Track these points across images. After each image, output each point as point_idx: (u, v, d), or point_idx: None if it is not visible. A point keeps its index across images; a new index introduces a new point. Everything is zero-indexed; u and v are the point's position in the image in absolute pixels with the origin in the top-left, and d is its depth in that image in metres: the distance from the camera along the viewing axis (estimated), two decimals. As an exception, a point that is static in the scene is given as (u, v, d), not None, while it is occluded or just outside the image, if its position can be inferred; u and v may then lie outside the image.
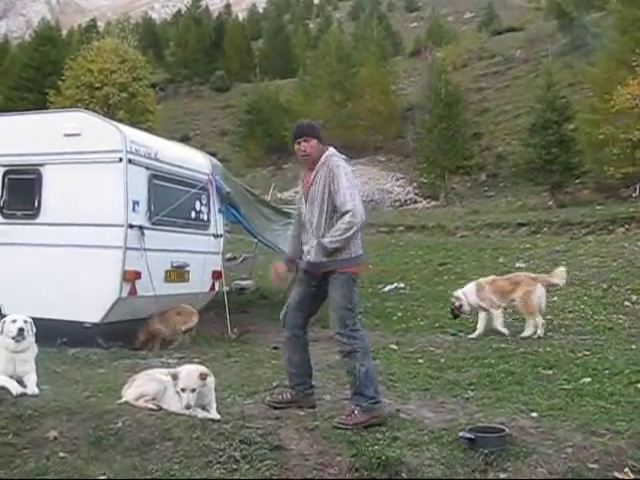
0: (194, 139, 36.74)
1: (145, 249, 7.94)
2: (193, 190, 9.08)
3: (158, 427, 4.09)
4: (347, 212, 4.45)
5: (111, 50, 32.21)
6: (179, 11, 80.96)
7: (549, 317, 9.32)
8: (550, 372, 6.28)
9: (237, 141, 36.48)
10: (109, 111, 28.51)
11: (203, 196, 9.40)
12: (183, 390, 4.30)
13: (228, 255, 14.70)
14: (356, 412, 4.38)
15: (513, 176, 23.98)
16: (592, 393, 5.40)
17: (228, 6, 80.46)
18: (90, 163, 7.96)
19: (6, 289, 7.96)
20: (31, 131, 8.47)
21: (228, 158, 31.71)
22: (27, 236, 8.08)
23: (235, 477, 3.67)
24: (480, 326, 8.50)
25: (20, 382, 4.71)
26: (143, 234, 7.95)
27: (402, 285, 12.63)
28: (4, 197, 8.43)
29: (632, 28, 20.09)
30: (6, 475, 3.63)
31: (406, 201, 26.91)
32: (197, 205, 9.31)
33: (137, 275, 7.88)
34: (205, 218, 9.48)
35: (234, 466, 3.75)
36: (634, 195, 19.55)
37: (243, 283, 13.34)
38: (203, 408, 4.37)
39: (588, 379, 5.89)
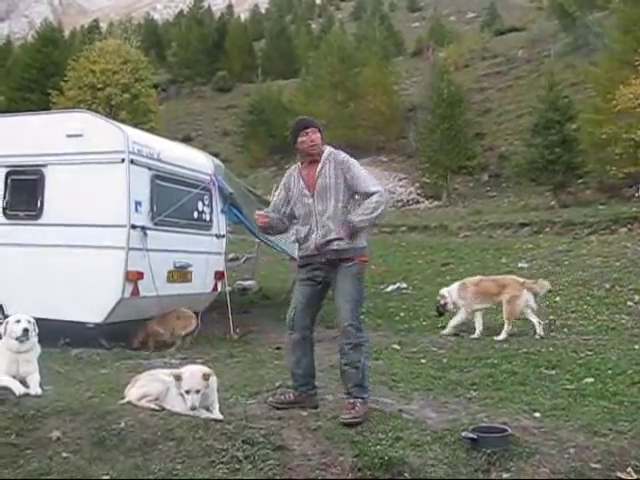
0: (196, 139, 36.74)
1: (148, 249, 7.95)
2: (195, 190, 9.09)
3: (161, 427, 4.09)
4: (374, 192, 4.62)
5: (113, 51, 32.20)
6: (181, 12, 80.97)
7: (552, 317, 9.33)
8: (553, 372, 6.28)
9: (239, 141, 36.44)
10: (111, 112, 28.51)
11: (205, 196, 9.41)
12: (187, 392, 4.31)
13: (230, 255, 14.71)
14: (358, 404, 4.46)
15: (515, 176, 23.93)
16: (595, 393, 5.40)
17: (230, 7, 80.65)
18: (93, 164, 7.97)
19: (9, 289, 8.00)
20: (34, 132, 8.48)
21: (230, 158, 31.71)
22: (29, 237, 8.09)
23: (238, 477, 3.68)
24: (478, 325, 8.57)
25: (23, 382, 4.71)
26: (146, 234, 7.97)
27: (405, 285, 12.64)
28: (7, 198, 8.44)
29: (635, 28, 20.04)
30: (9, 475, 3.64)
31: (408, 201, 26.87)
32: (199, 205, 9.31)
33: (140, 275, 7.89)
34: (207, 218, 9.48)
35: (237, 466, 3.75)
36: (637, 195, 19.51)
37: (245, 283, 13.36)
38: (206, 409, 4.37)
39: (591, 379, 5.89)
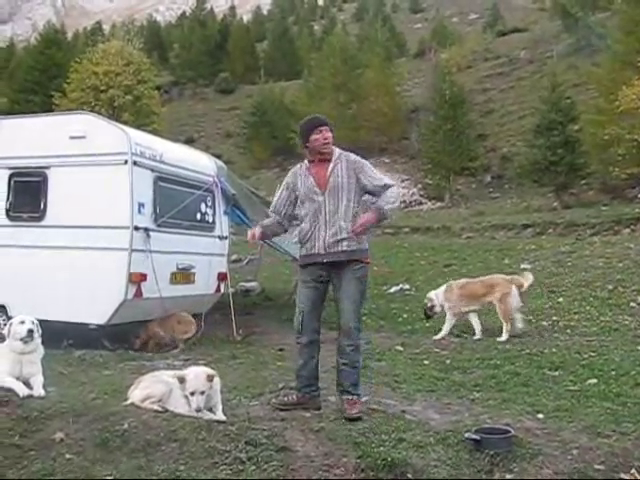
0: (199, 141, 36.80)
1: (151, 251, 7.96)
2: (198, 192, 9.10)
3: (164, 428, 4.10)
4: (391, 185, 4.75)
5: (116, 53, 32.23)
6: (184, 13, 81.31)
7: (555, 318, 9.33)
8: (556, 373, 6.28)
9: (242, 143, 36.49)
10: (114, 113, 28.56)
11: (208, 198, 9.42)
12: (192, 393, 4.31)
13: (233, 257, 14.73)
14: (358, 401, 4.63)
15: (518, 177, 23.92)
16: (598, 394, 5.39)
17: (233, 8, 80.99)
18: (96, 165, 7.98)
19: (12, 291, 8.01)
20: (37, 134, 8.50)
21: (233, 160, 31.74)
22: (33, 238, 8.10)
23: (241, 478, 3.67)
24: (476, 326, 8.61)
25: (26, 384, 4.72)
26: (149, 236, 7.98)
27: (407, 286, 12.63)
28: (10, 199, 8.45)
29: (637, 29, 20.04)
30: (13, 476, 3.64)
31: (411, 202, 26.85)
32: (202, 207, 9.32)
33: (143, 277, 7.90)
34: (210, 220, 9.49)
35: (240, 467, 3.75)
36: (639, 196, 19.51)
37: (248, 285, 13.36)
38: (209, 410, 4.38)
39: (594, 380, 5.88)
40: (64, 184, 8.11)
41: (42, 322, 5.09)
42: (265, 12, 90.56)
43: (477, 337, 8.43)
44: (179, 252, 8.70)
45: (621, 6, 23.20)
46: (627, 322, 8.87)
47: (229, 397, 4.93)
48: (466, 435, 4.06)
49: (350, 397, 4.61)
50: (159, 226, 8.25)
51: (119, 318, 7.83)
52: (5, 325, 5.21)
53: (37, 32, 50.22)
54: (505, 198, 24.48)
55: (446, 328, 8.65)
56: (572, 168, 21.07)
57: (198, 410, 4.28)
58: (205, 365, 5.32)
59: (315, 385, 4.83)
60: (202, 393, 4.31)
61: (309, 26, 69.57)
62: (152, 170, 8.27)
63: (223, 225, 9.69)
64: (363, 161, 4.83)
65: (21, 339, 4.81)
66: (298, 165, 4.99)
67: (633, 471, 3.78)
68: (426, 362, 6.97)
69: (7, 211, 8.45)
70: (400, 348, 7.80)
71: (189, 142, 29.05)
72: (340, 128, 28.89)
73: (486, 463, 3.87)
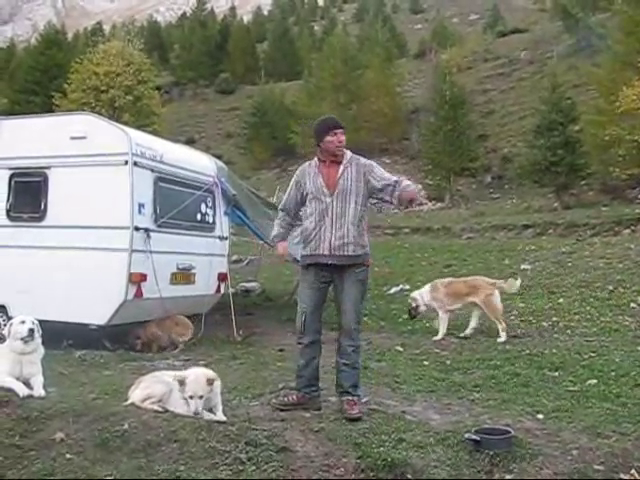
0: (199, 141, 36.80)
1: (151, 251, 7.96)
2: (198, 192, 9.11)
3: (164, 429, 4.10)
4: (401, 180, 4.85)
5: (117, 53, 32.22)
6: (184, 14, 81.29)
7: (555, 319, 9.33)
8: (556, 374, 6.28)
9: (242, 143, 36.48)
10: (115, 114, 28.56)
11: (208, 198, 9.42)
12: (191, 397, 4.31)
13: (234, 257, 14.73)
14: (358, 401, 4.68)
15: (518, 178, 23.91)
16: (598, 395, 5.39)
17: (233, 9, 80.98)
18: (96, 166, 7.98)
19: (12, 291, 8.01)
20: (37, 134, 8.50)
21: (233, 160, 31.75)
22: (33, 239, 8.10)
23: (241, 478, 3.68)
24: (473, 324, 8.67)
25: (27, 384, 4.72)
26: (149, 236, 7.98)
27: (408, 287, 12.59)
28: (11, 200, 8.46)
29: (637, 29, 20.00)
30: (13, 476, 3.65)
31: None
32: (202, 207, 9.33)
33: (143, 277, 7.90)
34: (210, 220, 9.50)
35: (240, 468, 3.76)
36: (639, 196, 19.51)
37: (249, 285, 13.36)
38: (209, 410, 4.38)
39: (594, 381, 5.89)
40: (64, 184, 8.12)
41: (42, 322, 5.09)
42: (265, 12, 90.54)
43: (463, 334, 8.49)
44: (179, 252, 8.71)
45: (621, 7, 23.15)
46: (627, 323, 8.87)
47: (229, 397, 4.94)
48: (466, 435, 4.07)
49: (350, 398, 4.65)
50: (159, 226, 8.25)
51: (119, 318, 7.83)
52: (5, 325, 5.21)
53: (37, 33, 50.25)
54: (505, 199, 24.47)
55: (442, 328, 8.63)
56: (572, 169, 21.05)
57: (196, 413, 4.28)
58: (205, 366, 5.33)
59: (316, 385, 4.85)
60: (201, 397, 4.31)
61: (309, 27, 69.51)
62: (152, 170, 8.28)
63: (223, 225, 9.70)
64: (372, 163, 4.94)
65: (22, 339, 4.81)
66: (307, 163, 5.01)
67: (633, 471, 3.78)
68: (426, 362, 6.98)
69: (8, 211, 8.45)
70: (400, 349, 7.80)
71: (189, 143, 29.03)
72: (340, 129, 29.03)
73: (486, 463, 3.87)
